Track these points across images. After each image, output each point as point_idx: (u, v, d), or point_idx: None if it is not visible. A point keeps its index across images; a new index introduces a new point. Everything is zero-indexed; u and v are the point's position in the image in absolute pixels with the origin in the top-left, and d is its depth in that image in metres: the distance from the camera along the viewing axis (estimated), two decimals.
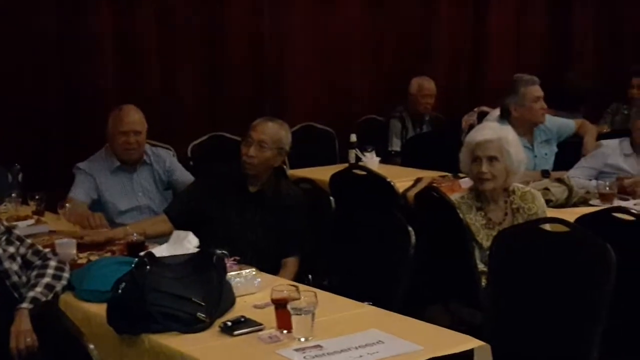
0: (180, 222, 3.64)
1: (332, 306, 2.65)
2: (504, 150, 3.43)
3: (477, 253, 3.46)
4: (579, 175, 4.34)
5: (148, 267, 2.43)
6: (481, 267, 3.42)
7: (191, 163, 5.52)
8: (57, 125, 5.53)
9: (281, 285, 2.47)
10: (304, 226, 3.61)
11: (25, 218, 3.81)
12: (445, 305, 3.64)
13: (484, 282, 3.37)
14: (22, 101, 5.37)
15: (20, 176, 4.23)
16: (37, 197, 4.00)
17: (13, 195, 4.08)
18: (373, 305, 2.89)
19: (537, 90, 4.72)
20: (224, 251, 2.70)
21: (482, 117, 6.13)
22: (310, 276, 3.43)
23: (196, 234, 3.71)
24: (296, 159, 6.04)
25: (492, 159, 3.42)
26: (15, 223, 3.68)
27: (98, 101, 5.46)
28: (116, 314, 2.43)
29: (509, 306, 2.95)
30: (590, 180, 4.35)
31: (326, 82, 6.78)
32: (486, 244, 3.42)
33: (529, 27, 7.98)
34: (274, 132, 3.66)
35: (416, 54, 7.30)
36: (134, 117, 4.14)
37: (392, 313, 2.59)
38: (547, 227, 2.96)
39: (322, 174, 4.74)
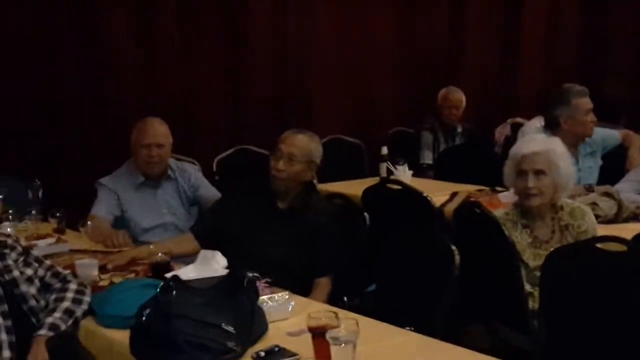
0: (207, 241, 3.47)
1: (372, 333, 2.44)
2: (552, 163, 3.22)
3: (523, 273, 3.24)
4: (627, 189, 4.10)
5: (174, 291, 2.24)
6: (527, 288, 3.21)
7: (217, 177, 5.35)
8: (78, 138, 5.38)
9: (318, 311, 2.27)
10: (337, 244, 3.41)
11: (45, 236, 3.65)
12: (487, 326, 3.43)
13: (530, 304, 3.16)
14: (42, 114, 5.24)
15: (40, 192, 4.07)
16: (57, 214, 3.83)
17: (33, 212, 3.92)
18: (414, 330, 2.71)
19: (588, 103, 4.50)
20: (255, 273, 2.50)
21: (516, 128, 5.92)
22: (345, 298, 3.22)
23: (223, 254, 3.56)
24: (324, 172, 5.88)
25: (539, 173, 3.21)
26: (35, 242, 3.52)
27: (121, 114, 5.31)
28: (140, 342, 2.25)
29: (564, 332, 2.74)
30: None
31: (353, 94, 6.62)
32: (533, 263, 3.21)
33: (561, 35, 7.77)
34: (304, 144, 3.48)
35: (446, 64, 7.10)
36: (157, 130, 3.97)
37: (436, 341, 2.38)
38: (602, 246, 2.75)
39: (353, 188, 4.55)
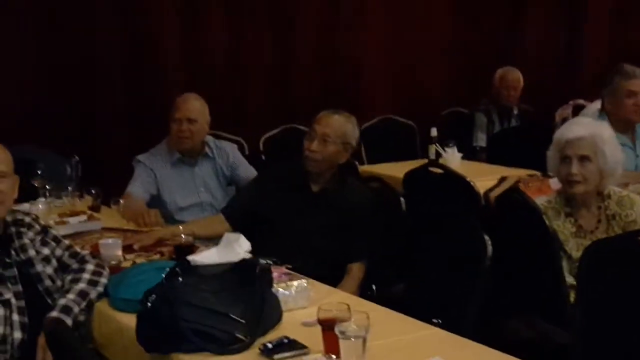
0: (238, 223, 3.40)
1: (392, 326, 2.32)
2: (598, 149, 3.02)
3: (565, 264, 3.06)
4: None
5: (180, 278, 2.16)
6: (570, 280, 3.02)
7: (263, 157, 5.28)
8: (119, 114, 5.35)
9: (330, 303, 2.15)
10: (371, 229, 3.29)
11: (78, 214, 3.62)
12: (528, 319, 3.27)
13: (572, 297, 2.98)
14: (81, 89, 5.21)
15: (79, 169, 4.05)
16: (93, 191, 3.80)
17: (69, 188, 3.90)
18: (442, 323, 2.57)
19: (632, 84, 4.23)
20: (270, 260, 2.40)
21: (577, 110, 5.66)
22: (374, 286, 3.10)
23: (255, 236, 3.47)
24: (374, 153, 5.75)
25: (583, 159, 3.02)
26: (67, 219, 3.50)
27: (161, 90, 5.26)
28: (145, 329, 2.17)
29: (602, 328, 2.56)
30: None
31: (407, 72, 6.42)
32: (576, 254, 3.02)
33: (629, 9, 7.38)
34: (339, 125, 3.35)
35: (504, 42, 6.84)
36: (191, 105, 3.91)
37: (460, 338, 2.23)
38: None
39: (400, 170, 4.39)
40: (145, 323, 2.17)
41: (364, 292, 3.13)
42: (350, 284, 3.18)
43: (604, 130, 3.10)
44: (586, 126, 3.10)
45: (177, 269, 2.20)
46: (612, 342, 2.53)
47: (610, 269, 2.54)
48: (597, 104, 5.03)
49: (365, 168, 5.06)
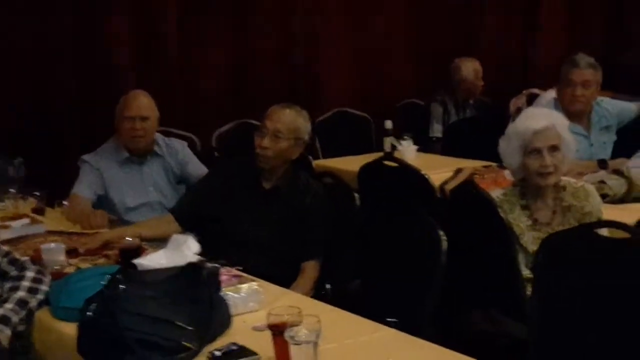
0: (188, 223, 3.31)
1: (345, 328, 2.26)
2: (562, 137, 2.99)
3: (521, 257, 3.02)
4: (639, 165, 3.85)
5: (122, 285, 2.06)
6: (526, 273, 2.98)
7: (216, 154, 5.16)
8: (66, 113, 5.18)
9: (280, 307, 2.07)
10: (325, 226, 3.22)
11: (21, 217, 3.48)
12: (488, 313, 3.23)
13: (529, 290, 2.94)
14: (25, 87, 5.03)
15: (22, 170, 3.91)
16: (36, 193, 3.67)
17: (12, 190, 3.75)
18: (398, 323, 2.51)
19: (573, 73, 4.22)
20: (219, 262, 2.31)
21: (532, 100, 5.65)
22: (328, 286, 3.02)
23: (205, 236, 3.38)
24: (329, 147, 5.67)
25: (553, 149, 2.97)
26: (8, 223, 3.36)
27: (112, 87, 5.11)
28: (86, 340, 2.07)
29: (557, 321, 2.52)
30: None
31: (362, 64, 6.34)
32: (532, 247, 2.98)
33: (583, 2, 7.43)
34: (290, 120, 3.27)
35: (460, 32, 6.81)
36: (142, 102, 3.80)
37: (415, 339, 2.17)
38: (604, 232, 2.52)
39: (355, 164, 4.32)
40: (86, 333, 2.07)
41: (318, 291, 3.06)
42: (305, 284, 3.11)
43: (560, 117, 3.08)
44: (547, 116, 3.06)
45: (118, 275, 2.10)
46: (568, 335, 2.50)
47: (566, 262, 2.50)
48: (550, 93, 5.03)
49: (320, 162, 4.98)
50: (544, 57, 7.18)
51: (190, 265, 2.23)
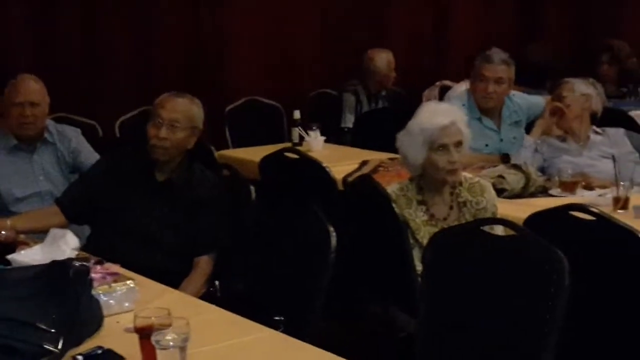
0: (74, 215, 3.17)
1: (224, 330, 2.16)
2: (463, 132, 2.96)
3: (416, 253, 2.98)
4: (527, 157, 3.86)
5: None
6: (421, 269, 2.94)
7: (119, 142, 4.98)
8: None
9: (148, 309, 1.96)
10: (219, 220, 3.10)
11: None
12: (385, 307, 3.19)
13: None
14: None
15: None
16: None
17: None
18: (285, 320, 2.45)
19: (486, 69, 4.21)
20: (94, 259, 2.19)
21: (444, 91, 5.65)
22: (217, 283, 2.92)
23: (93, 229, 3.24)
24: (239, 136, 5.55)
25: (459, 144, 2.94)
26: None
27: (8, 72, 4.88)
28: None
29: (445, 316, 2.47)
30: None
31: (274, 52, 6.23)
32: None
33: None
34: (186, 109, 3.15)
35: (371, 21, 6.75)
36: (32, 87, 3.64)
37: (296, 341, 2.09)
38: (499, 229, 2.49)
39: (261, 155, 4.22)
40: None
41: (208, 288, 2.96)
42: (197, 279, 3.00)
43: (461, 113, 3.04)
44: (449, 110, 3.02)
45: None
46: (452, 330, 2.46)
47: (453, 258, 2.46)
48: (462, 85, 5.04)
49: (225, 152, 4.86)
50: (455, 47, 7.19)
51: (56, 263, 2.09)
